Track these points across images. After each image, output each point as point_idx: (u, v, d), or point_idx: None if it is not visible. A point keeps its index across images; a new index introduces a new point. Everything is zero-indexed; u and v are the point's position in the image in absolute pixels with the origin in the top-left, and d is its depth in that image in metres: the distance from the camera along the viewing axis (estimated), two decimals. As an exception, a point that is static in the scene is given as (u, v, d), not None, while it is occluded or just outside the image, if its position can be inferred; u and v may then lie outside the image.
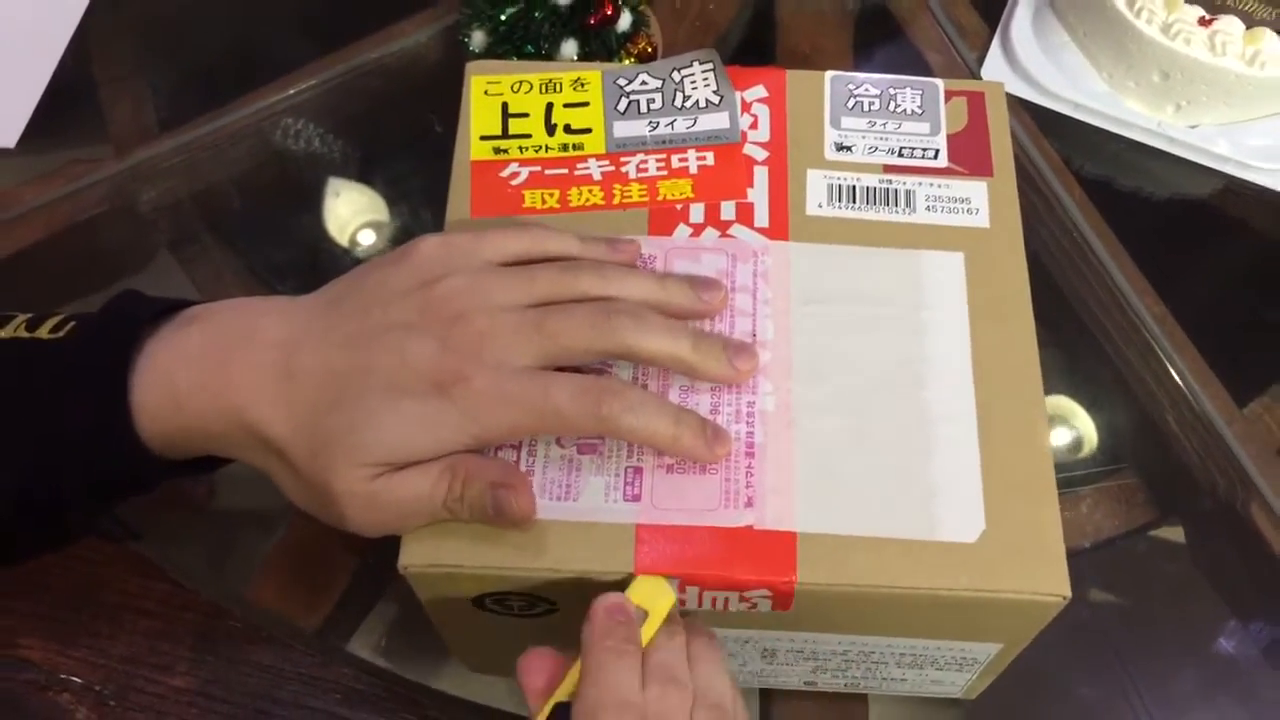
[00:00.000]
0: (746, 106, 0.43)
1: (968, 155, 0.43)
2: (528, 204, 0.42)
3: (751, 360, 0.38)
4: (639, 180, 0.42)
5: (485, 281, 0.36)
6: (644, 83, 0.43)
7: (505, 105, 0.43)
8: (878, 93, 0.44)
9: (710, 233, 0.41)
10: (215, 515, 0.49)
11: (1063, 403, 0.54)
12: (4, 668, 0.41)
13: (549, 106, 0.43)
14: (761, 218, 0.41)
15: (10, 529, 0.38)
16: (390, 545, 0.36)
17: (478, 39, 0.58)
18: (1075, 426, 0.54)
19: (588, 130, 0.43)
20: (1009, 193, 0.42)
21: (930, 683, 0.42)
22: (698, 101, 0.43)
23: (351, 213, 0.61)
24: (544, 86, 0.44)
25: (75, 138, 0.64)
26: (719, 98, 0.43)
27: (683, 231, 0.41)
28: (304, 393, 0.35)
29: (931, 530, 0.36)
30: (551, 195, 0.42)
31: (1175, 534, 0.52)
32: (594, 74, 0.44)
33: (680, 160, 0.42)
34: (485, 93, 0.44)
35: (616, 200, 0.42)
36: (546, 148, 0.43)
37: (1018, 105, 0.62)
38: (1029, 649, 0.39)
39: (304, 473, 0.35)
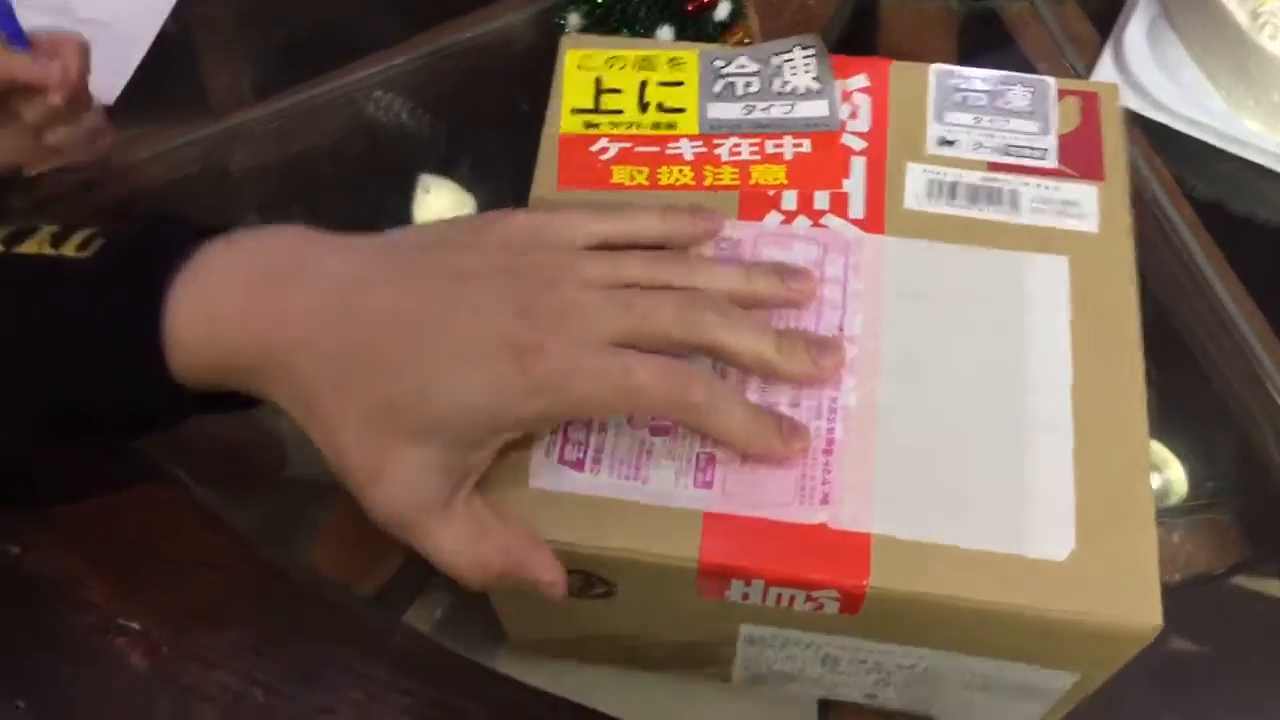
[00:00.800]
0: (847, 95, 0.42)
1: (1078, 157, 0.41)
2: (616, 179, 0.41)
3: (835, 357, 0.37)
4: (731, 163, 0.41)
5: (574, 257, 0.36)
6: (741, 66, 0.42)
7: (599, 80, 0.43)
8: (986, 88, 0.42)
9: (802, 221, 0.40)
10: (282, 477, 0.49)
11: (1158, 429, 0.51)
12: (68, 609, 0.41)
13: (643, 84, 0.42)
14: (856, 209, 0.40)
15: (29, 463, 0.37)
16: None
17: (573, 21, 0.58)
18: (1172, 454, 0.51)
19: (681, 110, 0.42)
20: (1120, 198, 0.40)
21: (997, 711, 0.40)
22: (796, 88, 0.42)
23: (437, 189, 0.61)
24: (639, 64, 0.43)
25: (173, 100, 0.65)
26: (819, 85, 0.41)
27: (774, 218, 0.40)
28: (365, 335, 0.33)
29: (1018, 544, 0.34)
30: (641, 172, 0.41)
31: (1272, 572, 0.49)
32: (690, 54, 0.43)
33: (775, 146, 0.41)
34: (579, 67, 0.43)
35: (708, 182, 0.41)
36: (638, 125, 0.42)
37: (1129, 119, 0.60)
38: (1104, 689, 0.37)
39: (345, 426, 0.33)
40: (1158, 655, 0.34)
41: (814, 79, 0.41)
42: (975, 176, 0.40)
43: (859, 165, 0.40)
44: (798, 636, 0.37)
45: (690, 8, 0.56)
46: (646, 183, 0.41)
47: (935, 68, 0.43)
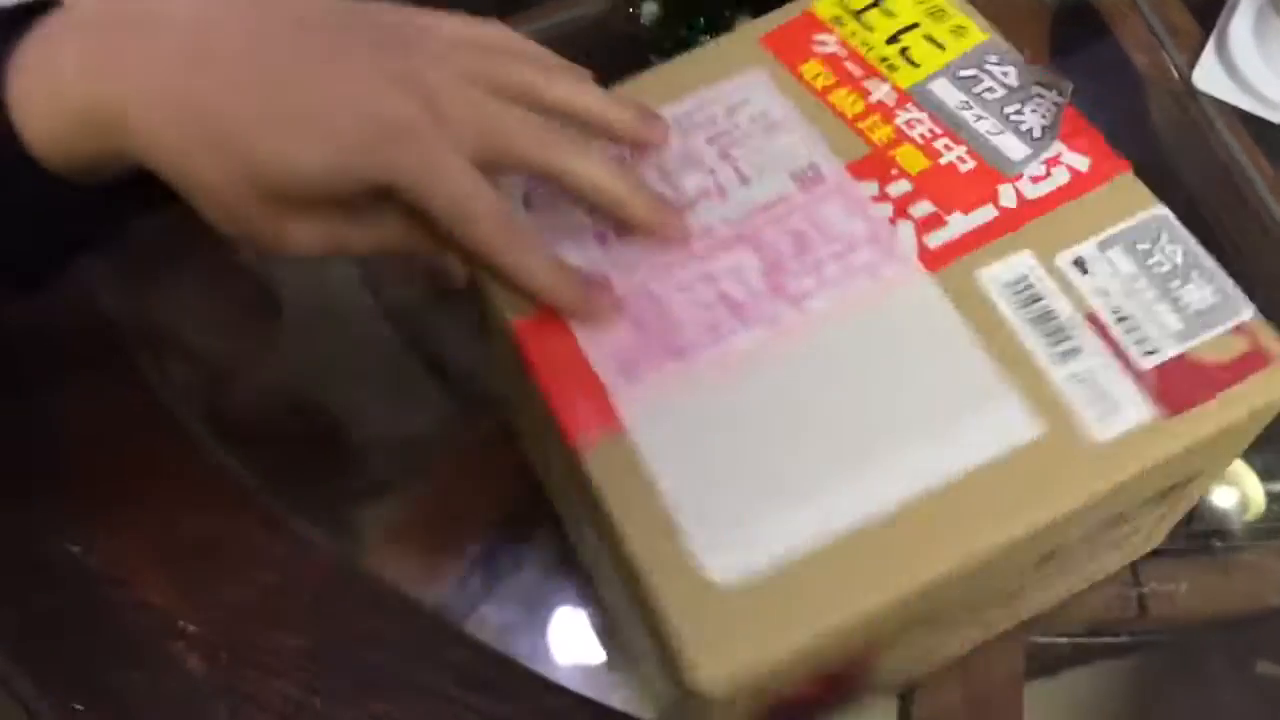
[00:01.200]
0: (1055, 161, 0.37)
1: (1181, 392, 0.33)
2: (802, 69, 0.40)
3: (678, 219, 0.36)
4: (896, 128, 0.38)
5: (449, 23, 0.35)
6: (1004, 74, 0.39)
7: None
8: (1176, 261, 0.35)
9: (880, 209, 0.37)
10: (344, 480, 0.47)
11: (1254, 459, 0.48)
12: (128, 609, 0.40)
13: (914, 25, 0.41)
14: (936, 240, 0.36)
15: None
16: (516, 524, 0.34)
17: (648, 10, 0.56)
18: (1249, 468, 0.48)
19: (916, 65, 0.40)
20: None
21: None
22: (1020, 123, 0.38)
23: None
24: (931, 10, 0.41)
25: None
26: (1038, 133, 0.38)
27: (867, 188, 0.37)
28: (221, 85, 0.30)
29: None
30: (827, 78, 0.40)
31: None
32: (982, 34, 0.40)
33: (945, 146, 0.38)
34: None
35: (863, 125, 0.39)
36: (871, 48, 0.40)
37: (1233, 116, 0.57)
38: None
39: (228, 188, 0.30)
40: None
41: (1042, 125, 0.38)
42: (1065, 310, 0.34)
43: (984, 216, 0.36)
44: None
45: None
46: (818, 88, 0.40)
47: (1160, 213, 0.36)
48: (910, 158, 0.38)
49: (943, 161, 0.38)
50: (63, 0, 0.32)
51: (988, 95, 0.39)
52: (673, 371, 0.34)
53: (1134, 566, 0.45)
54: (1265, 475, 0.48)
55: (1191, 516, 0.45)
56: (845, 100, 0.39)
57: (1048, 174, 0.37)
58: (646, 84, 0.41)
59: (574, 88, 0.36)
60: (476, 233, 0.33)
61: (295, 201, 0.32)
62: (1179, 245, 0.35)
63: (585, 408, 0.34)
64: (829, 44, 0.41)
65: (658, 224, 0.36)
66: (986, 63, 0.40)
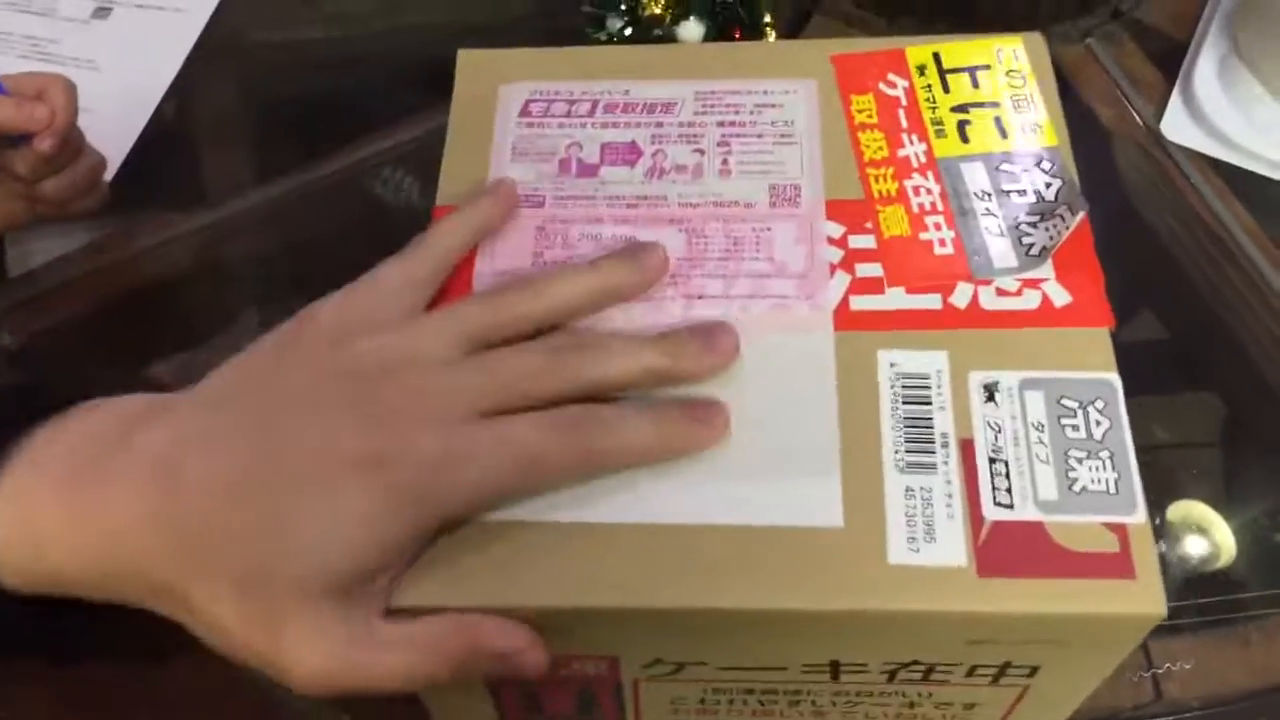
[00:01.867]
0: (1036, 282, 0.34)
1: None
2: (854, 95, 0.38)
3: (729, 337, 0.32)
4: (900, 186, 0.36)
5: (406, 331, 0.30)
6: (1047, 184, 0.35)
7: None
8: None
9: (829, 251, 0.34)
10: None
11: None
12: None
13: (989, 104, 0.37)
14: (860, 304, 0.33)
15: None
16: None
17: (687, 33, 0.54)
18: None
19: (965, 140, 0.37)
20: None
21: None
22: (1028, 236, 0.34)
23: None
24: (1017, 96, 0.38)
25: (166, 191, 0.59)
26: (1034, 252, 0.34)
27: (830, 229, 0.35)
28: (193, 512, 0.27)
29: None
30: (868, 112, 0.38)
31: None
32: (1050, 139, 0.36)
33: (937, 225, 0.35)
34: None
35: (872, 169, 0.36)
36: (935, 107, 0.37)
37: (1205, 165, 0.56)
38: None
39: (220, 615, 0.27)
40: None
41: (1044, 245, 0.34)
42: (943, 427, 0.31)
43: (925, 303, 0.33)
44: None
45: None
46: (856, 121, 0.37)
47: (1109, 381, 0.32)
48: (893, 220, 0.35)
49: (922, 237, 0.35)
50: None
51: (1015, 196, 0.36)
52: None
53: (1145, 647, 0.43)
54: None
55: (1199, 585, 0.45)
56: (872, 143, 0.37)
57: (1019, 292, 0.33)
58: (703, 54, 0.40)
59: (559, 287, 0.32)
60: (571, 471, 0.30)
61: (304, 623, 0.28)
62: (1107, 421, 0.31)
63: None
64: (897, 88, 0.38)
65: (716, 360, 0.32)
66: (1037, 167, 0.36)
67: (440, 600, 0.29)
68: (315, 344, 0.30)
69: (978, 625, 0.29)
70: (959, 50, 0.39)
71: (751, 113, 0.38)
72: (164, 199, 0.57)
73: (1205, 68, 0.58)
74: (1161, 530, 0.46)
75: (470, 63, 0.40)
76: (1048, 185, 0.36)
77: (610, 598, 0.29)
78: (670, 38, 0.52)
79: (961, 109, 0.38)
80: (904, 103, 0.38)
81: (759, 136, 0.37)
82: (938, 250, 0.34)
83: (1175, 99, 0.58)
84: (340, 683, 0.28)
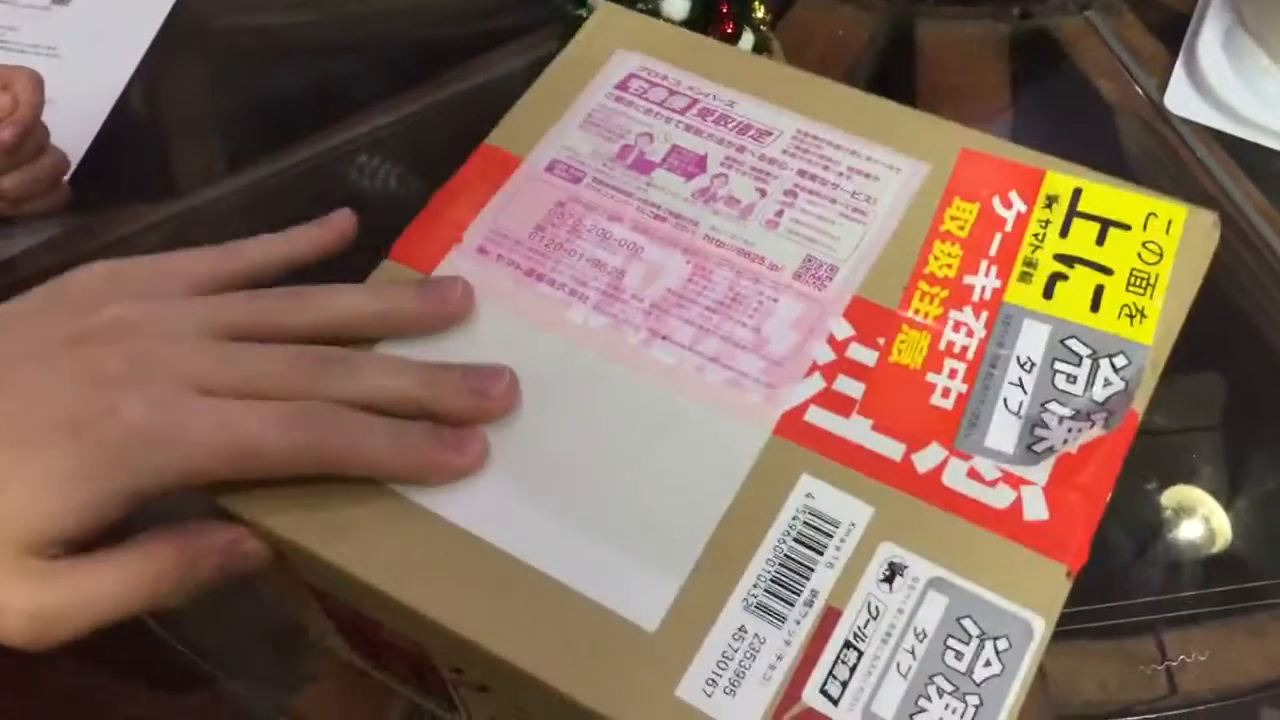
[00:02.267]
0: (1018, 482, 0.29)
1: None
2: (960, 199, 0.34)
3: (503, 384, 0.29)
4: (944, 315, 0.31)
5: (154, 304, 0.29)
6: (1105, 382, 0.30)
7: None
8: None
9: (821, 349, 0.31)
10: (262, 610, 0.40)
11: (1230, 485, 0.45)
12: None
13: (1102, 270, 0.32)
14: (822, 418, 0.30)
15: None
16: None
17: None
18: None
19: (1048, 298, 0.31)
20: None
21: None
22: (1042, 429, 0.29)
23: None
24: (1141, 276, 0.32)
25: (133, 183, 0.56)
26: (1038, 448, 0.29)
27: (839, 327, 0.32)
28: None
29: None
30: (960, 223, 0.33)
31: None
32: (1141, 335, 0.31)
33: (953, 374, 0.30)
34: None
35: (924, 283, 0.32)
36: (1039, 247, 0.32)
37: (1211, 139, 0.55)
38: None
39: None
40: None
41: (1052, 446, 0.29)
42: (820, 585, 0.27)
43: (883, 448, 0.29)
44: None
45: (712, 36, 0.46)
46: (940, 227, 0.33)
47: (1031, 625, 0.27)
48: (910, 347, 0.31)
49: (929, 378, 0.30)
50: None
51: (1061, 380, 0.30)
52: (508, 275, 0.33)
53: (1159, 639, 0.42)
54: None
55: (1214, 574, 0.44)
56: (944, 256, 0.33)
57: (993, 484, 0.29)
58: (837, 94, 0.36)
59: (331, 301, 0.31)
60: (286, 465, 0.28)
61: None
62: (1000, 666, 0.26)
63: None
64: (1011, 209, 0.33)
65: (481, 405, 0.30)
66: (1109, 359, 0.31)
67: (269, 524, 0.29)
68: (64, 303, 0.29)
69: None
70: (1107, 196, 0.33)
71: (840, 174, 0.34)
72: (130, 189, 0.55)
73: (1209, 39, 0.57)
74: (1159, 517, 0.45)
75: (605, 17, 0.39)
76: (1105, 384, 0.30)
77: (389, 584, 0.28)
78: (655, 13, 0.48)
79: (1066, 260, 0.32)
80: (1008, 229, 0.33)
81: (832, 201, 0.34)
82: (935, 400, 0.30)
83: (1179, 72, 0.57)
84: (60, 620, 0.27)
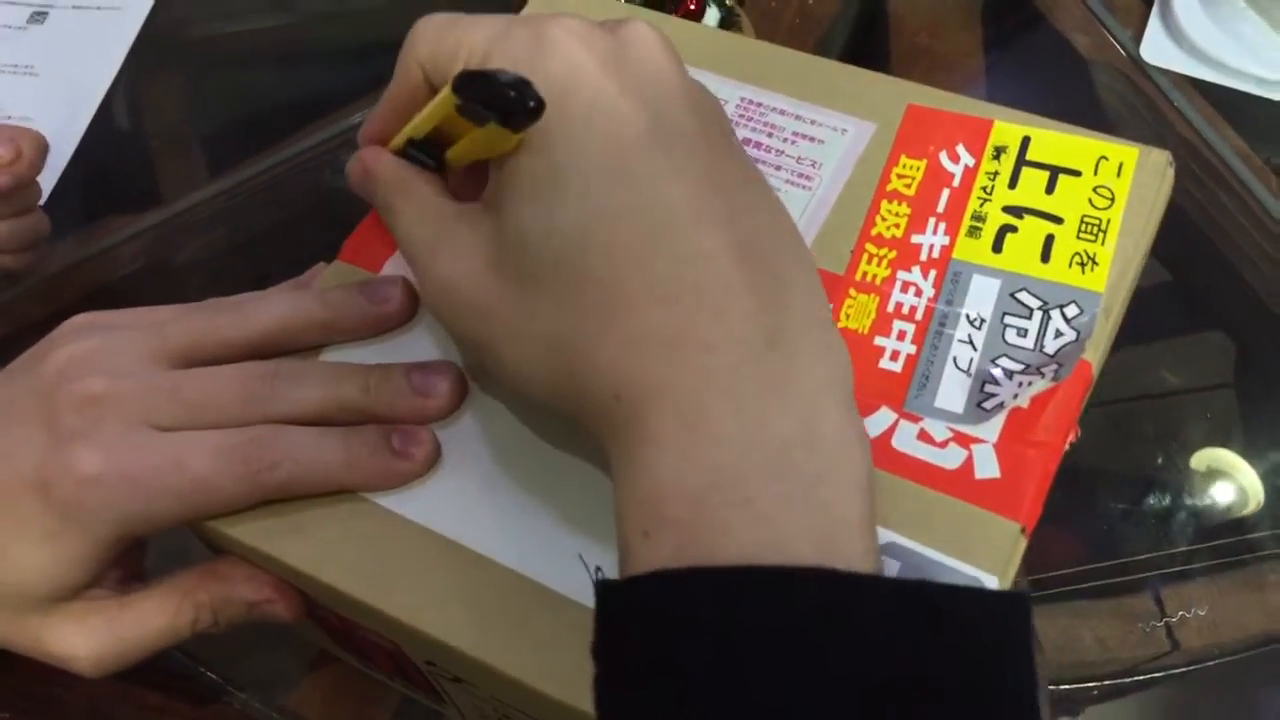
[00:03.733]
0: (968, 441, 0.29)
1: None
2: (906, 155, 0.33)
3: (447, 382, 0.29)
4: (892, 277, 0.31)
5: (105, 341, 0.29)
6: (1056, 334, 0.30)
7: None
8: None
9: None
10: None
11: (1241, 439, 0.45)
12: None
13: (1051, 218, 0.31)
14: None
15: None
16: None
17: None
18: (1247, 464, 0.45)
19: (997, 251, 0.31)
20: None
21: None
22: (992, 384, 0.29)
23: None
24: (1093, 222, 0.31)
25: (113, 196, 0.57)
26: (988, 406, 0.29)
27: None
28: None
29: None
30: (908, 181, 0.33)
31: None
32: (1093, 284, 0.30)
33: (901, 336, 0.30)
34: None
35: (871, 245, 0.32)
36: (988, 200, 0.32)
37: (1189, 86, 0.55)
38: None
39: None
40: None
41: (1002, 402, 0.28)
42: None
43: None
44: None
45: (676, 14, 0.47)
46: (887, 186, 0.33)
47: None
48: (858, 311, 0.31)
49: (877, 342, 0.30)
50: None
51: (1011, 334, 0.30)
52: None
53: (1157, 595, 0.42)
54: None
55: (1215, 528, 0.43)
56: (890, 216, 0.32)
57: (943, 444, 0.28)
58: (783, 58, 0.36)
59: (269, 308, 0.31)
60: (241, 498, 0.29)
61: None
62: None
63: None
64: (958, 164, 0.33)
65: (423, 404, 0.30)
66: (1060, 310, 0.30)
67: (233, 533, 0.29)
68: (36, 354, 0.30)
69: None
70: (1055, 143, 0.33)
71: (784, 140, 0.34)
72: (112, 201, 0.56)
73: (1184, -12, 0.56)
74: (1186, 480, 0.45)
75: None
76: (1057, 336, 0.30)
77: (348, 583, 0.28)
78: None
79: (1015, 212, 0.32)
80: (955, 184, 0.33)
81: (776, 169, 0.33)
82: (883, 363, 0.30)
83: (1154, 21, 0.57)
84: (118, 657, 0.30)
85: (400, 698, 0.40)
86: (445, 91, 0.25)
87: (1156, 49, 0.56)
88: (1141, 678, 0.41)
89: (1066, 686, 0.41)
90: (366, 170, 0.30)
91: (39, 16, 0.64)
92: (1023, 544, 0.27)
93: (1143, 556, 0.43)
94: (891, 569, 0.27)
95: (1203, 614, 0.42)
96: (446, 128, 0.27)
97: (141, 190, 0.56)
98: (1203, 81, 0.55)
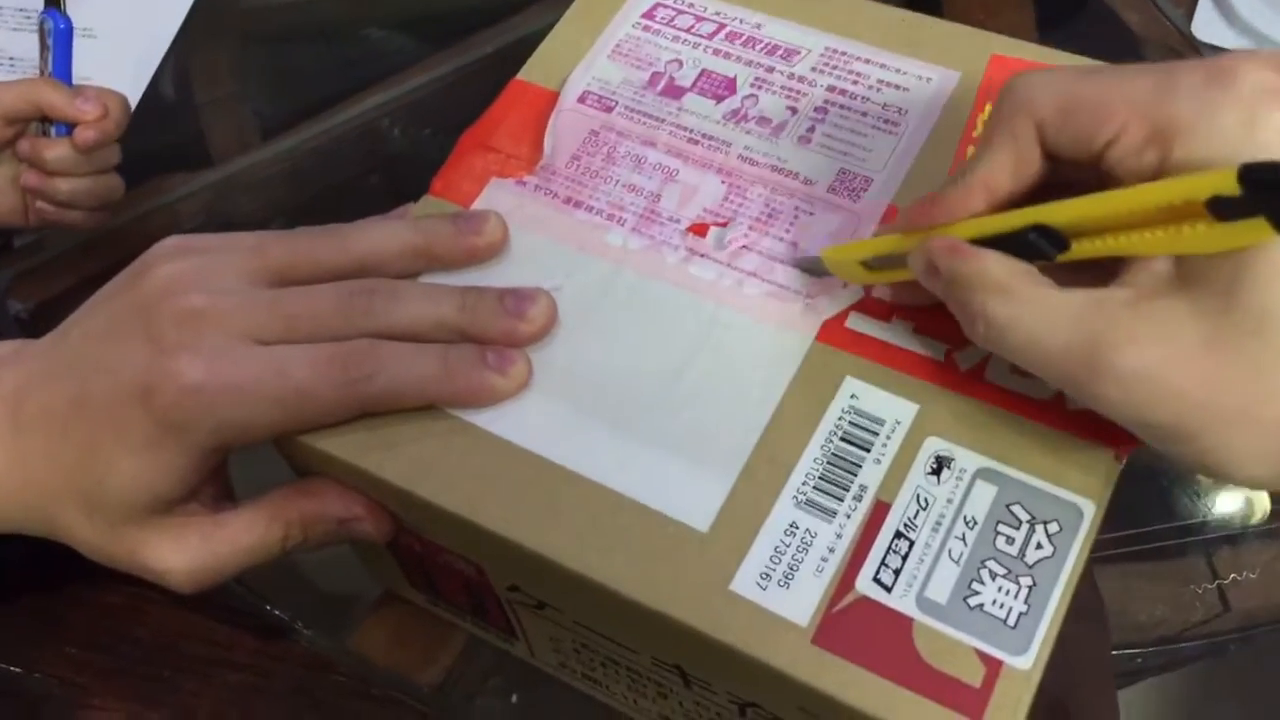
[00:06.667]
0: None
1: None
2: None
3: (536, 306, 0.30)
4: None
5: (204, 260, 0.30)
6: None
7: None
8: None
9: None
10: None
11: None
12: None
13: None
14: (864, 324, 0.30)
15: None
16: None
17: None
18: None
19: None
20: None
21: None
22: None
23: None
24: None
25: (172, 152, 0.58)
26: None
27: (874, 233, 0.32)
28: (36, 446, 0.30)
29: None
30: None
31: None
32: None
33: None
34: None
35: None
36: None
37: None
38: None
39: (88, 540, 0.30)
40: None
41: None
42: (868, 480, 0.28)
43: (926, 349, 0.30)
44: None
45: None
46: (975, 132, 0.33)
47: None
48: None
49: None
50: None
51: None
52: (546, 203, 0.33)
53: (1209, 558, 0.42)
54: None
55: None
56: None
57: (1035, 378, 0.29)
58: (866, 10, 0.36)
59: (370, 236, 0.31)
60: (340, 408, 0.29)
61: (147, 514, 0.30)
62: (1051, 549, 0.26)
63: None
64: None
65: (517, 327, 0.30)
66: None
67: (326, 447, 0.29)
68: (136, 275, 0.30)
69: (799, 692, 0.26)
70: None
71: (871, 87, 0.35)
72: (168, 163, 0.57)
73: (1233, -36, 0.56)
74: None
75: None
76: None
77: (443, 498, 0.28)
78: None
79: None
80: None
81: (863, 115, 0.34)
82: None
83: None
84: (212, 573, 0.30)
85: (466, 639, 0.41)
86: (1186, 179, 0.23)
87: (1208, 26, 0.57)
88: (1193, 644, 0.41)
89: (1117, 653, 0.41)
90: (953, 274, 0.26)
91: (97, -20, 0.64)
92: (1116, 470, 0.28)
93: (1193, 521, 0.44)
94: (988, 493, 0.27)
95: (1253, 576, 0.42)
96: (1091, 214, 0.24)
97: (196, 155, 0.57)
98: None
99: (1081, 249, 0.25)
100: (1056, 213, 0.25)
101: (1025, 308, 0.25)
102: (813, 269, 0.31)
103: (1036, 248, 0.25)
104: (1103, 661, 0.40)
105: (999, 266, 0.26)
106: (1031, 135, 0.26)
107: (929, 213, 0.27)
